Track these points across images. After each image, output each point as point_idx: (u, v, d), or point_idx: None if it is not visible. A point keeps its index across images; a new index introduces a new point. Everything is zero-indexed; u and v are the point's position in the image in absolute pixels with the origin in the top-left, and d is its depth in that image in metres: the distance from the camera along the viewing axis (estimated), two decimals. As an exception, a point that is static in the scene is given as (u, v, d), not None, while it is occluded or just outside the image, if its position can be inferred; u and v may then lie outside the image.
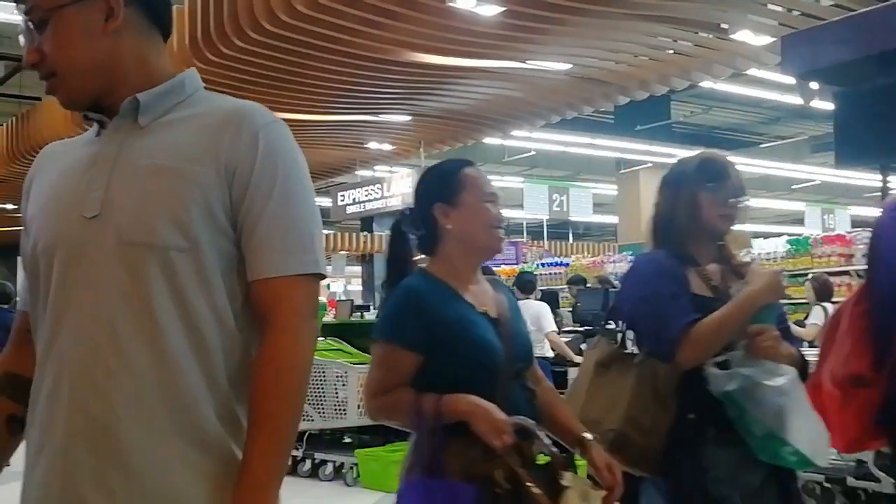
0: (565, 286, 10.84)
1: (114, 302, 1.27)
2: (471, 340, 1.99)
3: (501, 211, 2.14)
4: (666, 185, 2.37)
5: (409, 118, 10.77)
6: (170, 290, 1.27)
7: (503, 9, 6.99)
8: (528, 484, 1.84)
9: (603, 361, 2.28)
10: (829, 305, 7.82)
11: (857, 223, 18.43)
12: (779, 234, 11.74)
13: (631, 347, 2.28)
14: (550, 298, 9.06)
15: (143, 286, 1.27)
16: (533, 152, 15.91)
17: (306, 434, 7.18)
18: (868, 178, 17.04)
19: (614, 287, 10.64)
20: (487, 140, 12.86)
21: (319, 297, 1.38)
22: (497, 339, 2.03)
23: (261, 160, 1.32)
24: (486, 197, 2.11)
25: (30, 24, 1.36)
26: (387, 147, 12.72)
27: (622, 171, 16.11)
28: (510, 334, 2.07)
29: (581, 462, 2.03)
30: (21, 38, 1.39)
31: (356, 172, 14.55)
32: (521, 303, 7.91)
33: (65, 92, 1.38)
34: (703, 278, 2.26)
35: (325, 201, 14.92)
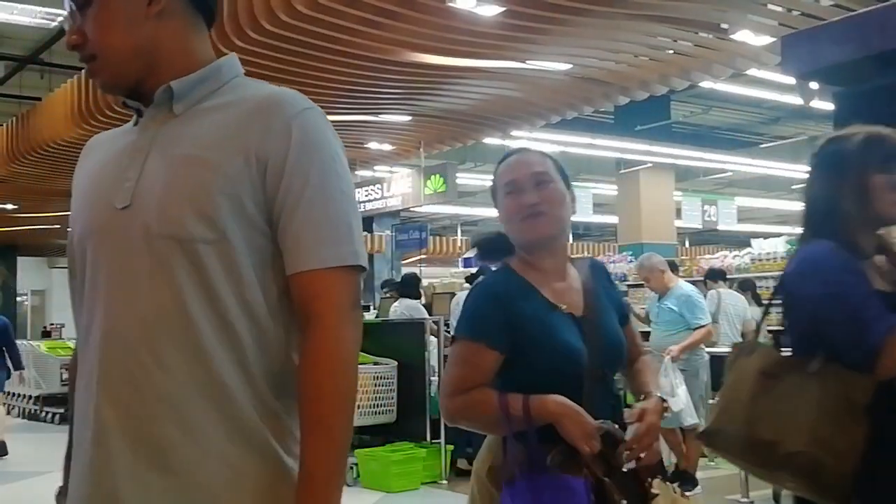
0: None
1: (144, 296, 1.25)
2: (550, 345, 1.87)
3: (533, 193, 1.96)
4: (824, 165, 2.09)
5: (409, 118, 10.76)
6: (199, 284, 1.24)
7: (503, 9, 6.99)
8: (616, 496, 1.74)
9: (770, 371, 1.93)
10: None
11: (857, 223, 18.39)
12: (778, 235, 11.73)
13: (790, 351, 2.02)
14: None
15: (173, 280, 1.24)
16: (533, 152, 15.86)
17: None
18: (868, 179, 16.99)
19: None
20: (487, 140, 12.84)
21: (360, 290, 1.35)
22: (580, 340, 1.89)
23: (294, 150, 1.27)
24: (506, 189, 2.01)
25: (72, 5, 1.34)
26: (387, 147, 12.71)
27: (622, 172, 16.09)
28: (596, 334, 1.92)
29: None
30: (65, 21, 1.38)
31: (356, 172, 14.53)
32: None
33: (104, 76, 1.35)
34: (879, 272, 1.99)
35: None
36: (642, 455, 1.83)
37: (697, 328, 6.45)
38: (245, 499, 1.25)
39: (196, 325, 1.24)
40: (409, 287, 8.84)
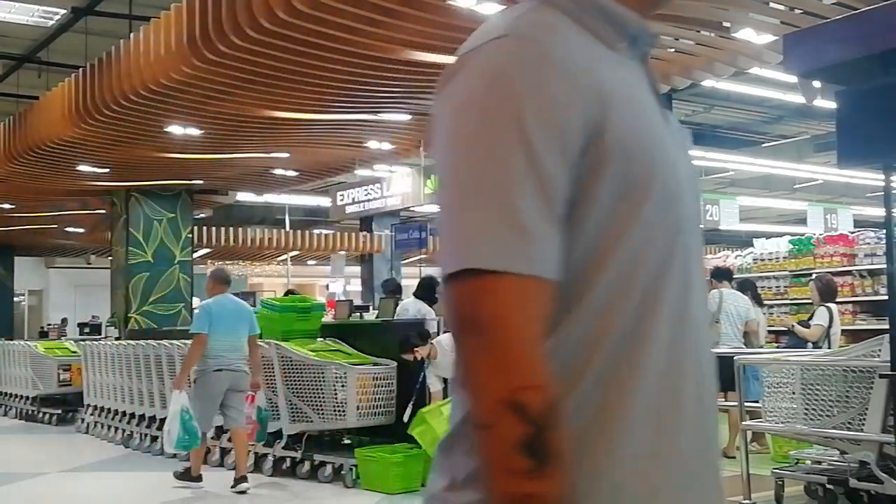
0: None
1: (703, 300, 1.11)
2: None
3: None
4: None
5: (408, 117, 10.73)
6: None
7: (504, 7, 6.95)
8: None
9: None
10: (833, 306, 7.77)
11: (859, 223, 18.39)
12: (781, 234, 11.71)
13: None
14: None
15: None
16: (533, 152, 15.82)
17: (305, 436, 7.14)
18: (871, 178, 16.99)
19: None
20: (488, 139, 12.77)
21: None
22: None
23: None
24: None
25: None
26: (386, 146, 12.67)
27: (623, 171, 16.04)
28: None
29: None
30: None
31: (356, 172, 14.51)
32: None
33: None
34: None
35: (325, 201, 14.85)
36: None
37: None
38: None
39: None
40: (423, 290, 8.74)
